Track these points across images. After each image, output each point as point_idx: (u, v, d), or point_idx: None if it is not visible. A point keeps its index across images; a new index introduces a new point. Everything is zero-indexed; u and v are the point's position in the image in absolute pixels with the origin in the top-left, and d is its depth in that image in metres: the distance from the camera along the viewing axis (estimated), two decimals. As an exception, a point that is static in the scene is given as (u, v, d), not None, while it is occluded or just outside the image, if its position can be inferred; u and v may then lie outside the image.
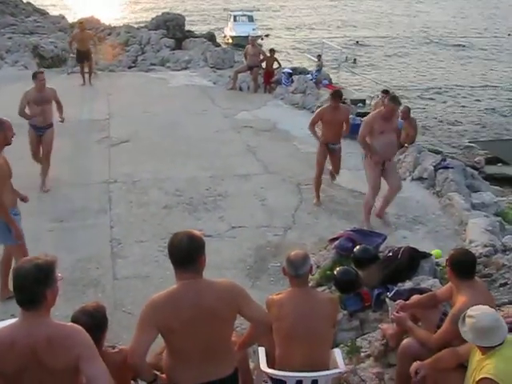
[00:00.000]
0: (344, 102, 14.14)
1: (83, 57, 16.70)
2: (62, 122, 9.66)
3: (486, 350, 3.47)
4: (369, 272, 6.08)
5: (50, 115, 9.31)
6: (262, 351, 4.18)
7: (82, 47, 16.60)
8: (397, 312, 4.77)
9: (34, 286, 2.91)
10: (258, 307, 3.63)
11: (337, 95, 8.91)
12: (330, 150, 9.11)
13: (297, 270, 4.01)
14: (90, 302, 3.91)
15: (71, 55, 17.53)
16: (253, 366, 4.48)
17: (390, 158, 8.29)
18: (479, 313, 3.51)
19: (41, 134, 9.25)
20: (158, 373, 3.56)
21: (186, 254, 3.37)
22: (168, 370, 3.54)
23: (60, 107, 9.57)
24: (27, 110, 9.17)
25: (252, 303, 3.54)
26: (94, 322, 3.50)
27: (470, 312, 3.55)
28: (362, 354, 5.19)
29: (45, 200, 8.89)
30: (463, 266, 4.14)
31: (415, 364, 3.94)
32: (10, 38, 24.19)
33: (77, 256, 7.25)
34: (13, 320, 4.87)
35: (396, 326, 4.73)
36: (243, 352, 3.98)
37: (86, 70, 17.08)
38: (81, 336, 2.99)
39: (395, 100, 7.99)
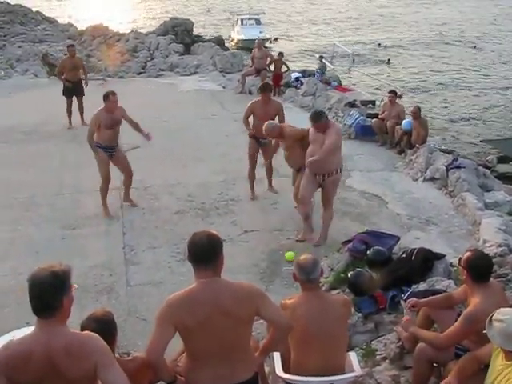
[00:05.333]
0: (354, 104, 14.20)
1: (73, 90, 13.18)
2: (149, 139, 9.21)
3: None
4: (382, 274, 6.06)
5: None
6: (277, 356, 4.15)
7: (73, 77, 13.16)
8: (408, 309, 4.77)
9: (51, 293, 2.91)
10: (278, 310, 3.62)
11: (265, 89, 8.87)
12: (261, 145, 9.00)
13: (308, 275, 4.00)
14: (98, 308, 3.92)
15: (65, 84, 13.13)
16: (268, 370, 4.46)
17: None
18: (509, 317, 3.41)
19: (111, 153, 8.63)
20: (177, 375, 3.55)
21: (207, 251, 3.41)
22: (186, 372, 3.53)
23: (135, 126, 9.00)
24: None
25: (271, 305, 3.52)
26: (104, 327, 3.50)
27: (498, 316, 3.44)
28: (378, 357, 5.15)
29: (57, 207, 8.94)
30: (480, 269, 4.07)
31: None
32: (19, 46, 24.44)
33: (90, 263, 7.26)
34: (28, 329, 4.92)
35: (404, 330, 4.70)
36: (264, 358, 3.93)
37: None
38: (97, 343, 3.00)
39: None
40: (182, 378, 3.54)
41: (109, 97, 8.37)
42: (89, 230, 8.22)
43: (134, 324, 6.11)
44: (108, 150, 8.59)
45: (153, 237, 7.98)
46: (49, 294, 2.91)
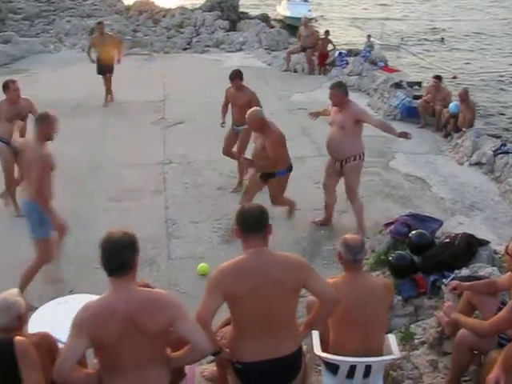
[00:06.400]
0: (400, 85, 13.96)
1: (106, 69, 13.01)
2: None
3: None
4: (423, 258, 6.00)
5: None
6: (315, 334, 4.15)
7: (105, 56, 12.94)
8: (450, 291, 4.71)
9: (128, 252, 3.12)
10: (326, 283, 3.65)
11: (232, 76, 8.62)
12: (236, 132, 8.77)
13: (355, 256, 3.97)
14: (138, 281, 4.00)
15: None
16: (305, 348, 4.47)
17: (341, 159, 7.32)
18: None
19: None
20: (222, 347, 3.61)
21: (257, 219, 3.53)
22: (231, 344, 3.59)
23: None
24: None
25: (319, 278, 3.58)
26: None
27: None
28: (416, 341, 5.11)
29: (101, 180, 9.07)
30: None
31: (491, 378, 3.64)
32: (68, 21, 24.75)
33: (132, 235, 7.35)
34: (71, 297, 5.04)
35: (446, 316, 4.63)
36: (308, 332, 3.96)
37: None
38: (171, 298, 3.19)
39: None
40: (227, 349, 3.60)
41: (8, 86, 7.69)
42: (132, 203, 8.32)
43: (175, 297, 6.18)
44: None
45: (195, 211, 8.05)
46: (125, 252, 3.11)
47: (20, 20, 25.29)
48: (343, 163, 7.24)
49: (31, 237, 5.86)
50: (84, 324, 3.03)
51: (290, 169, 7.29)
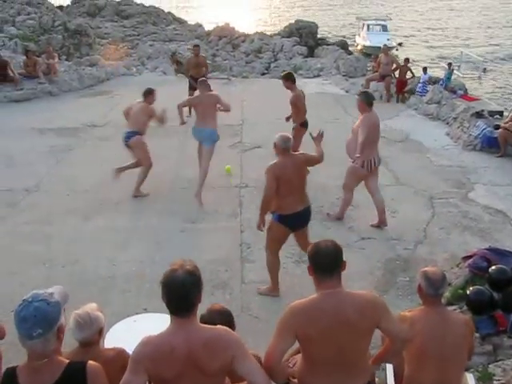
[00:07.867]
0: (481, 115, 13.62)
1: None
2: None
3: None
4: (504, 294, 5.79)
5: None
6: (389, 368, 4.08)
7: (197, 74, 14.15)
8: None
9: (193, 293, 3.00)
10: (398, 323, 3.56)
11: (282, 77, 10.29)
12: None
13: (437, 290, 3.86)
14: (214, 304, 4.00)
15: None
16: (377, 381, 4.39)
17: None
18: None
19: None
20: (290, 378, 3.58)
21: (333, 260, 3.42)
22: (301, 376, 3.56)
23: None
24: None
25: (392, 318, 3.48)
26: (228, 319, 3.62)
27: None
28: (496, 382, 4.91)
29: (178, 201, 9.24)
30: None
31: None
32: (151, 45, 25.63)
33: (207, 257, 7.42)
34: (148, 315, 5.15)
35: None
36: (377, 367, 3.90)
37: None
38: (232, 337, 3.10)
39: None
40: (295, 380, 3.57)
41: (151, 92, 9.81)
42: (207, 225, 8.43)
43: (247, 321, 6.19)
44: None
45: (270, 236, 8.06)
46: (190, 294, 3.00)
47: (106, 44, 26.39)
48: None
49: (207, 147, 9.37)
50: (142, 359, 2.99)
51: (282, 219, 6.45)
